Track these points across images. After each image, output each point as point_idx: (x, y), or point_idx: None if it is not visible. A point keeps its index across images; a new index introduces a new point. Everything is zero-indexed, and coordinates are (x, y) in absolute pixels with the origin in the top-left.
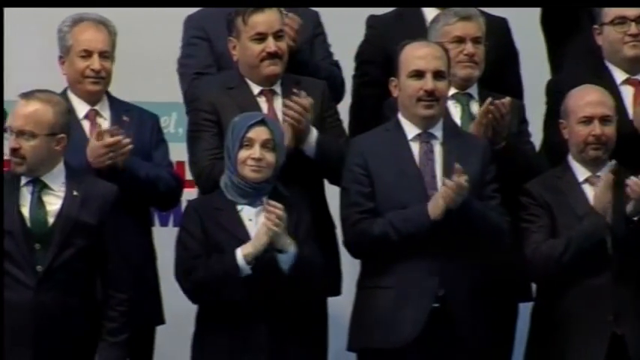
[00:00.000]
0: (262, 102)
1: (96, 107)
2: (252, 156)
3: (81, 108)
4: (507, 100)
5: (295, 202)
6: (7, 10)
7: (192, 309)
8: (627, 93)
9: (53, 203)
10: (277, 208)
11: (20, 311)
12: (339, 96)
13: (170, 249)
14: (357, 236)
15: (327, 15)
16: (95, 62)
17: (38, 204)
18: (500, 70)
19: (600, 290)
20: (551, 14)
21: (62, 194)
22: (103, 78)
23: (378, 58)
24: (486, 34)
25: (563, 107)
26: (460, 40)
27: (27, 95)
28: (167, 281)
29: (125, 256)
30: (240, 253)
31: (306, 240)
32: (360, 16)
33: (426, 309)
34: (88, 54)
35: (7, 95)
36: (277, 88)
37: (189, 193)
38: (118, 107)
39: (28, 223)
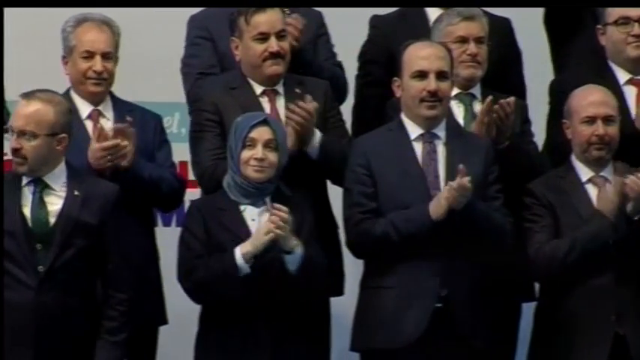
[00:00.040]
0: (265, 102)
1: (99, 107)
2: (255, 156)
3: (84, 108)
4: (512, 99)
5: (298, 202)
6: (9, 10)
7: (195, 309)
8: (630, 93)
9: (54, 203)
10: (282, 211)
11: (21, 311)
12: (342, 96)
13: (173, 249)
14: (359, 236)
15: (331, 15)
16: (97, 63)
17: (39, 204)
18: (503, 70)
19: (603, 290)
20: (554, 14)
21: (63, 194)
22: (105, 79)
23: (382, 58)
24: (489, 34)
25: (566, 107)
26: (463, 40)
27: (28, 95)
28: (170, 281)
29: (127, 256)
30: (239, 252)
31: (309, 240)
32: (363, 16)
33: (429, 309)
34: (90, 55)
35: (9, 95)
36: (280, 88)
37: (192, 193)
38: (121, 107)
39: (30, 223)
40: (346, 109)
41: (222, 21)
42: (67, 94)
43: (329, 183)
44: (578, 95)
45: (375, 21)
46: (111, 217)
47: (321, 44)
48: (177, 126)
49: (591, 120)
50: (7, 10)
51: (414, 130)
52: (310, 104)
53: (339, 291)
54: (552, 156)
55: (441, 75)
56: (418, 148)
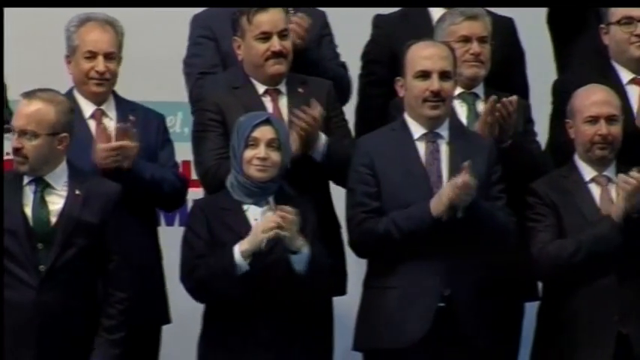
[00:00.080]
0: (267, 101)
1: (102, 107)
2: (258, 155)
3: (87, 107)
4: (514, 98)
5: (301, 202)
6: (11, 10)
7: (198, 308)
8: (633, 92)
9: (56, 203)
10: (289, 212)
11: (23, 311)
12: (346, 97)
13: (176, 249)
14: (361, 235)
15: (334, 15)
16: (100, 64)
17: (41, 203)
18: (506, 70)
19: (606, 290)
20: (557, 14)
21: (65, 193)
22: (107, 79)
23: (385, 57)
24: (492, 34)
25: (569, 107)
26: (466, 39)
27: (29, 95)
28: (173, 280)
29: (129, 255)
30: (238, 250)
31: (313, 240)
32: (366, 15)
33: (432, 309)
34: (92, 55)
35: (11, 95)
36: (282, 88)
37: (195, 193)
38: (124, 107)
39: (31, 223)
40: (349, 109)
41: (225, 20)
42: (70, 94)
43: (331, 182)
44: (581, 95)
45: (378, 21)
46: (112, 217)
47: (324, 44)
48: (180, 125)
49: (594, 119)
50: (9, 10)
51: (417, 130)
52: (315, 110)
53: (341, 290)
54: (555, 155)
55: (444, 75)
56: (421, 147)
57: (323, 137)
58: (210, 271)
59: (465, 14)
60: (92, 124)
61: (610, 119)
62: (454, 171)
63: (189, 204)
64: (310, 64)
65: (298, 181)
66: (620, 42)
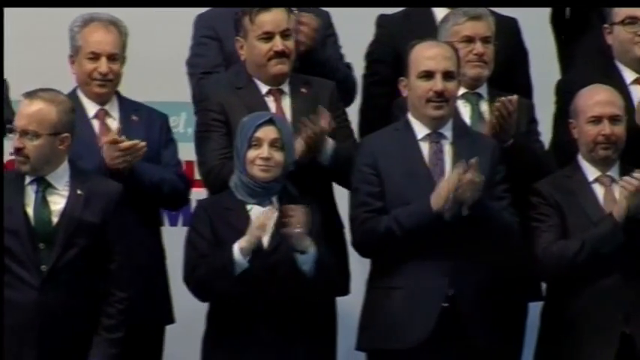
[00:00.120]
0: (270, 101)
1: (105, 107)
2: (261, 155)
3: (90, 107)
4: (514, 97)
5: (305, 202)
6: (14, 10)
7: (202, 308)
8: (637, 93)
9: (57, 202)
10: (301, 212)
11: (24, 311)
12: (351, 97)
13: (179, 248)
14: (364, 235)
15: (337, 15)
16: (103, 65)
17: (42, 203)
18: (509, 70)
19: (610, 290)
20: (560, 14)
21: (66, 193)
22: (110, 80)
23: (388, 57)
24: (496, 34)
25: (573, 107)
26: (469, 39)
27: (30, 94)
28: (177, 280)
29: (132, 255)
30: (237, 247)
31: (317, 240)
32: (370, 15)
33: (436, 309)
34: (95, 56)
35: (13, 95)
36: (285, 88)
37: (199, 193)
38: (128, 107)
39: (33, 223)
40: (353, 109)
41: (229, 21)
42: (73, 93)
43: (334, 183)
44: (584, 95)
45: (381, 20)
46: (114, 217)
47: (329, 45)
48: (183, 126)
49: (597, 119)
50: (12, 10)
51: (420, 130)
52: (325, 121)
53: (344, 290)
54: (559, 156)
55: (447, 75)
56: (425, 147)
57: (330, 142)
58: (209, 270)
59: (468, 14)
60: (96, 124)
61: (613, 119)
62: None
63: (193, 204)
64: (317, 64)
65: (301, 182)
66: (623, 42)
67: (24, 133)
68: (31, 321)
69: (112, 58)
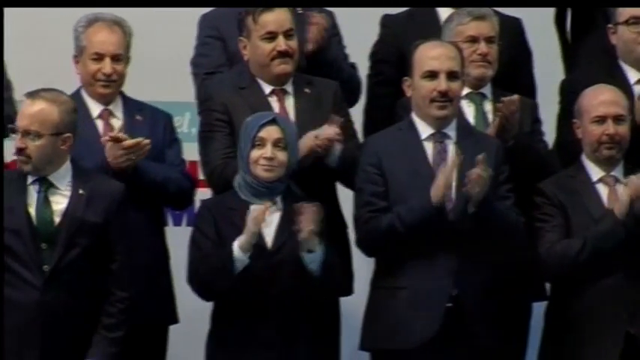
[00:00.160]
0: (273, 101)
1: (109, 107)
2: (264, 155)
3: (94, 107)
4: (516, 97)
5: (309, 202)
6: (15, 10)
7: (206, 308)
8: None
9: (59, 202)
10: (311, 210)
11: (27, 311)
12: (356, 97)
13: (183, 248)
14: (368, 233)
15: (342, 15)
16: (107, 66)
17: (44, 203)
18: (513, 70)
19: (614, 289)
20: (564, 14)
21: (68, 193)
22: (114, 81)
23: (392, 57)
24: (500, 34)
25: (577, 107)
26: (474, 39)
27: (32, 95)
28: (181, 280)
29: (132, 255)
30: (236, 244)
31: (322, 240)
32: (374, 15)
33: (441, 309)
34: (99, 57)
35: (15, 95)
36: (289, 88)
37: (203, 193)
38: (132, 107)
39: (35, 223)
40: (358, 109)
41: (233, 21)
42: (77, 93)
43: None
44: (588, 95)
45: (385, 20)
46: (116, 216)
47: (333, 45)
48: (187, 126)
49: (602, 119)
50: (14, 10)
51: (424, 130)
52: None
53: (348, 290)
54: (562, 155)
55: (451, 75)
56: (429, 147)
57: (338, 144)
58: (211, 269)
59: (472, 14)
60: (100, 124)
61: (617, 119)
62: (461, 171)
63: (197, 204)
64: (325, 64)
65: (305, 181)
66: (627, 42)
67: (26, 133)
68: (33, 321)
69: (115, 58)
